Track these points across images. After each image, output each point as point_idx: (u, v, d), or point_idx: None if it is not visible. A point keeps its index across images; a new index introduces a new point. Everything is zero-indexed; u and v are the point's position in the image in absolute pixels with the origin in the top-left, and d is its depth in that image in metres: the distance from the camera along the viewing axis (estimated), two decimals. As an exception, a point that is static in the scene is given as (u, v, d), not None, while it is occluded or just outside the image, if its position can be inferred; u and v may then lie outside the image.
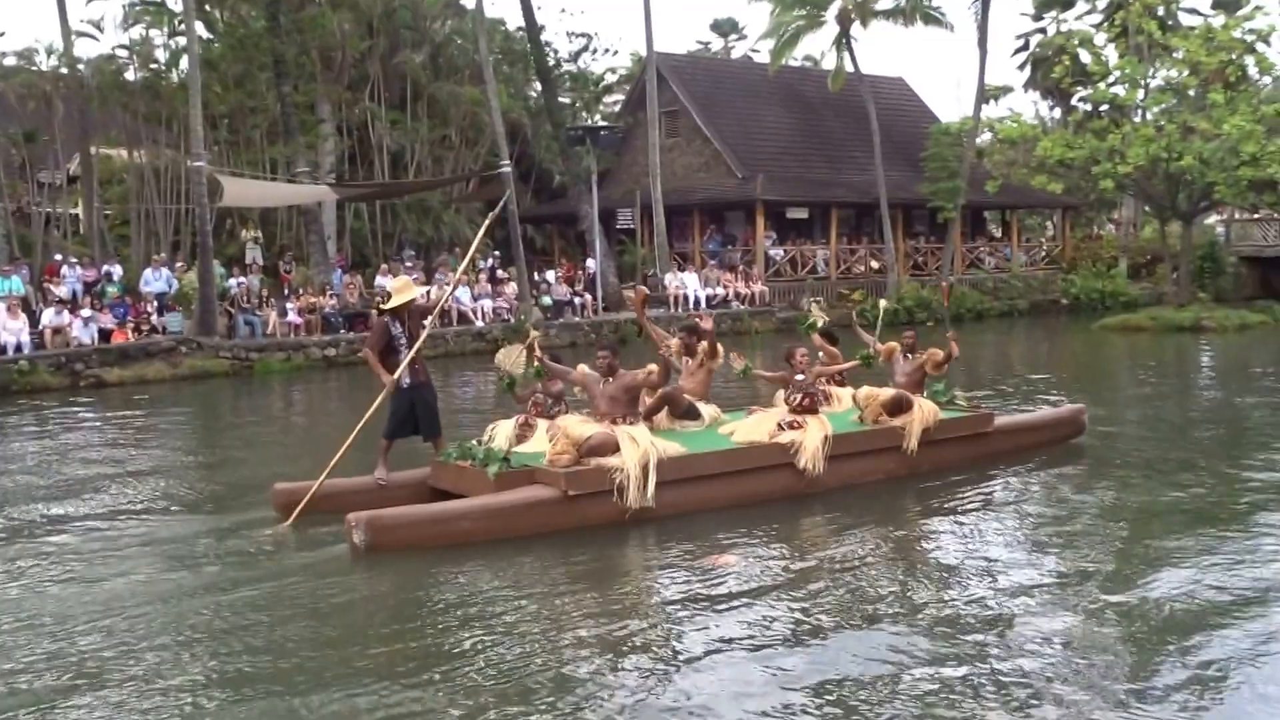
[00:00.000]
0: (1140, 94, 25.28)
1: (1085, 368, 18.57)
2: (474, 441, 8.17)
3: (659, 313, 24.55)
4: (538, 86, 30.37)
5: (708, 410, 9.02)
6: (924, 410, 8.94)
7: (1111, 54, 26.77)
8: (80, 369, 17.49)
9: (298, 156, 23.52)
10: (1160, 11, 26.66)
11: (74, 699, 4.90)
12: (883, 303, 11.40)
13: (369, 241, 26.75)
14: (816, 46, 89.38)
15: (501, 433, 8.32)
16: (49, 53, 26.54)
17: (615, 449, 7.51)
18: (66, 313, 18.36)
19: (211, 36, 26.40)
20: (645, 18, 26.11)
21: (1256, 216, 32.84)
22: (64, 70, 25.06)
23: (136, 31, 26.83)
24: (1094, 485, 8.73)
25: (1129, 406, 13.17)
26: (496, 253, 26.07)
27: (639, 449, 7.55)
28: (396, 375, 7.97)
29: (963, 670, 5.02)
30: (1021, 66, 40.64)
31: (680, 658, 5.27)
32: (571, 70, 34.52)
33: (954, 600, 6.03)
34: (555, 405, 8.52)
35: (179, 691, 4.95)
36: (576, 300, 24.13)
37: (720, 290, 25.48)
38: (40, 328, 17.99)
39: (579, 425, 7.68)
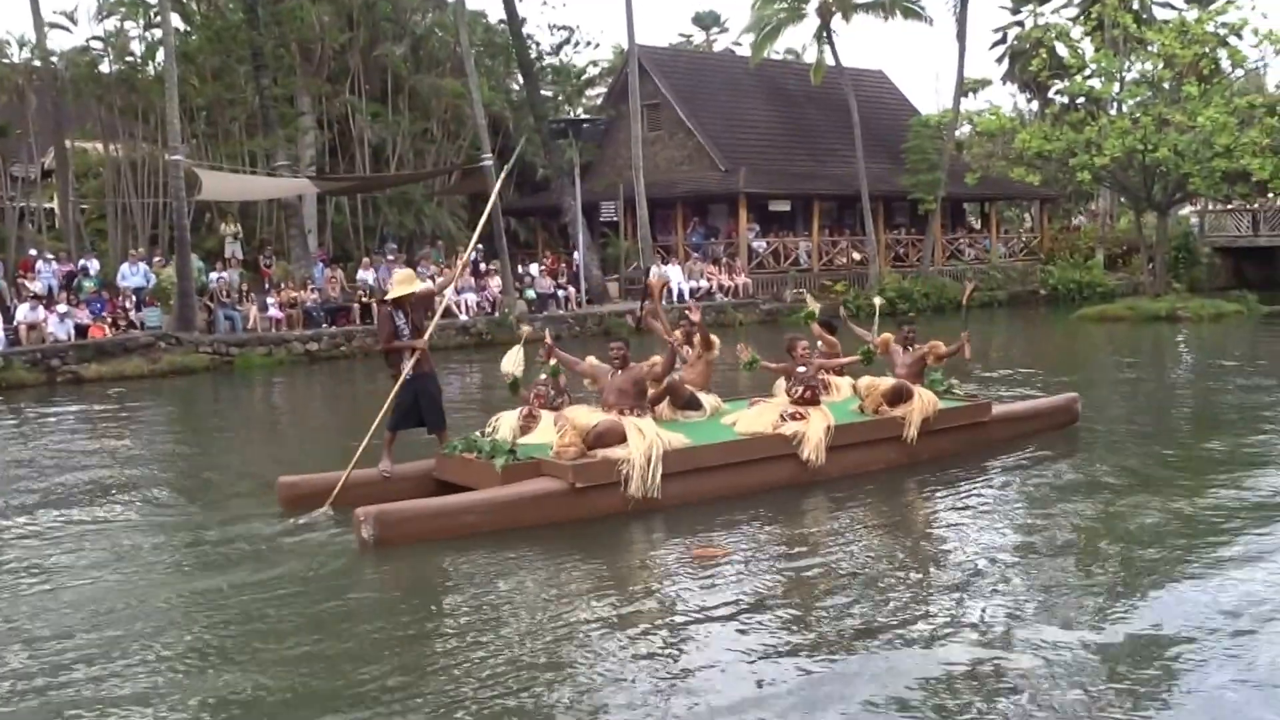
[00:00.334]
0: (1116, 87, 25.52)
1: (1069, 358, 18.75)
2: (477, 434, 8.15)
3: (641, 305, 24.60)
4: (520, 79, 30.29)
5: (709, 400, 9.07)
6: (924, 400, 9.02)
7: (1088, 47, 26.98)
8: (57, 365, 17.30)
9: (277, 150, 23.35)
10: (1135, 5, 26.95)
11: (70, 697, 4.85)
12: (877, 300, 11.46)
13: (350, 235, 26.60)
14: (798, 40, 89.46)
15: (505, 424, 8.30)
16: (21, 45, 26.25)
17: (622, 438, 7.54)
18: (42, 308, 18.16)
19: (188, 28, 26.13)
20: (627, 11, 26.07)
21: (1229, 208, 33.25)
22: (37, 63, 24.74)
23: (111, 23, 26.54)
24: (1090, 472, 8.86)
25: (1117, 395, 13.31)
26: (480, 246, 25.99)
27: (645, 440, 7.58)
28: (408, 366, 7.93)
29: (967, 662, 5.02)
30: (1000, 60, 40.90)
31: (687, 655, 5.21)
32: (553, 63, 34.44)
33: (960, 591, 6.03)
34: (558, 397, 8.52)
35: (189, 695, 4.90)
36: (560, 293, 24.11)
37: (704, 283, 25.52)
38: (15, 324, 17.78)
39: (586, 415, 7.71)
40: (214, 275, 21.01)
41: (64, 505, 8.62)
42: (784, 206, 29.48)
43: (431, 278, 21.68)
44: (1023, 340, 22.31)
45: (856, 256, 29.37)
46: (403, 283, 8.26)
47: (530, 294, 23.57)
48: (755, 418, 8.59)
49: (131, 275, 20.23)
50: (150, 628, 5.69)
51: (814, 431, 8.33)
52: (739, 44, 38.63)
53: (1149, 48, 25.16)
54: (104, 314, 18.89)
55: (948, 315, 25.15)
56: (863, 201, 28.20)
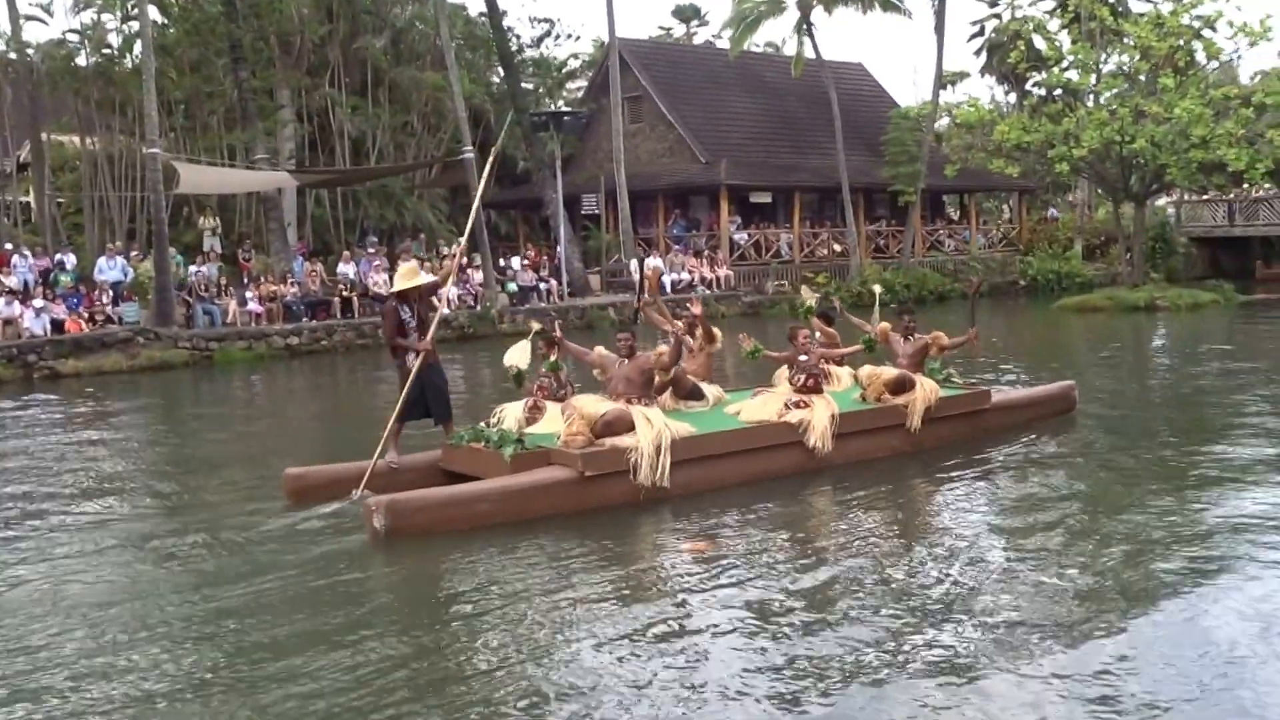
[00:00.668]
0: (1093, 79, 25.70)
1: (1052, 347, 18.93)
2: (483, 424, 8.17)
3: (624, 297, 24.61)
4: (500, 72, 30.21)
5: (711, 391, 9.14)
6: (926, 389, 9.12)
7: (1065, 40, 27.14)
8: (33, 361, 17.16)
9: (256, 143, 23.21)
10: (1112, -2, 27.09)
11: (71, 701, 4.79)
12: (876, 287, 11.46)
13: (330, 228, 26.49)
14: (777, 33, 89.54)
15: (510, 415, 8.33)
16: (-4, 38, 25.94)
17: (630, 426, 7.59)
18: (18, 303, 18.00)
19: (166, 21, 25.94)
20: (607, 4, 26.05)
21: (1205, 198, 33.58)
22: (13, 55, 24.51)
23: (88, 16, 26.33)
24: (1091, 458, 9.04)
25: (1107, 383, 13.48)
26: (460, 239, 25.93)
27: (653, 429, 7.62)
28: (427, 338, 7.94)
29: (969, 647, 5.07)
30: (978, 52, 41.07)
31: (703, 645, 5.20)
32: (534, 56, 34.36)
33: (969, 579, 6.03)
34: (562, 388, 8.55)
35: (199, 691, 4.87)
36: (542, 286, 24.09)
37: (685, 275, 25.56)
38: (-9, 319, 17.63)
39: (594, 404, 7.74)
40: (192, 269, 20.86)
41: (46, 505, 8.52)
42: (765, 198, 29.55)
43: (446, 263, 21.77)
44: (1004, 331, 22.46)
45: (837, 248, 29.49)
46: (407, 276, 8.28)
47: (512, 287, 23.54)
48: (759, 407, 8.65)
49: (109, 269, 20.07)
50: (163, 624, 5.62)
51: (819, 419, 8.41)
52: (719, 37, 38.62)
53: (1125, 40, 25.36)
54: (81, 309, 18.73)
55: (929, 306, 25.32)
56: (843, 193, 28.31)
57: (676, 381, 8.79)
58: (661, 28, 49.53)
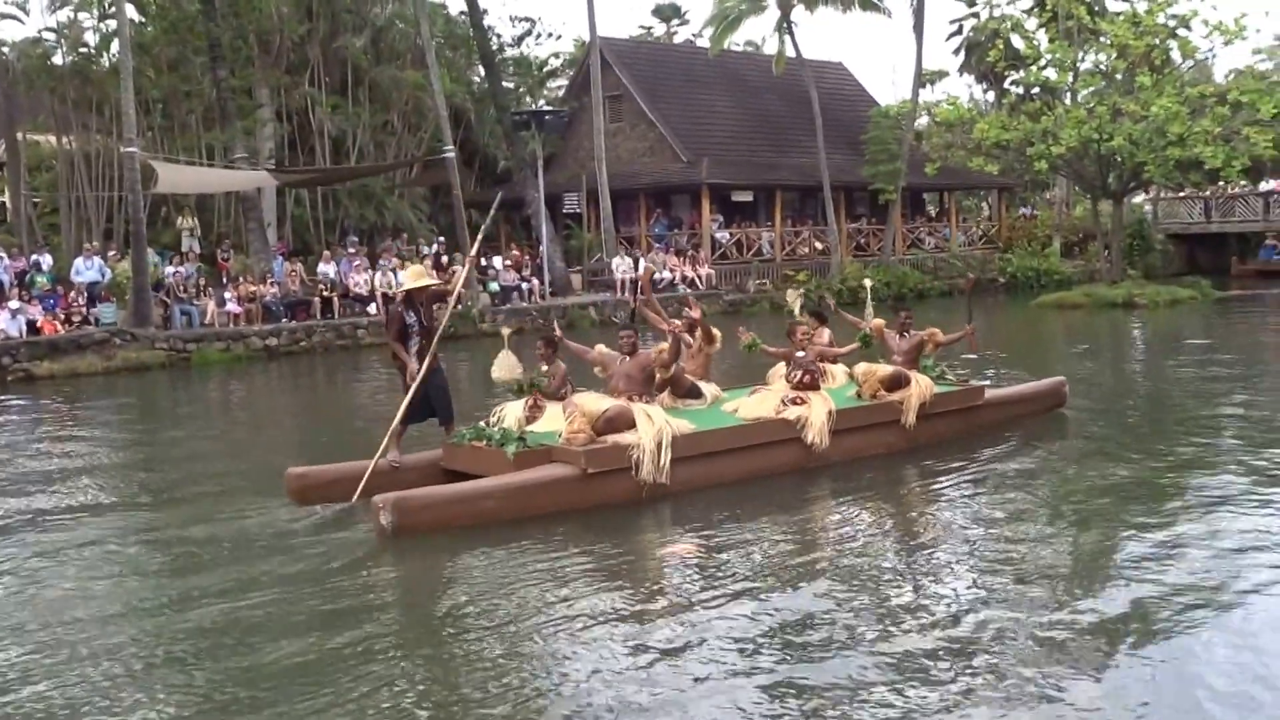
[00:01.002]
0: (1071, 77, 25.88)
1: (1034, 344, 19.11)
2: (482, 422, 8.21)
3: (605, 297, 24.62)
4: (481, 71, 30.13)
5: (709, 389, 9.21)
6: (921, 386, 9.19)
7: (1042, 38, 27.33)
8: (8, 363, 17.01)
9: (235, 142, 23.06)
10: (1088, -3, 27.28)
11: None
12: (867, 281, 11.56)
13: (310, 228, 26.33)
14: (758, 32, 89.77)
15: (510, 414, 8.38)
16: (-30, 36, 25.67)
17: (631, 423, 7.65)
18: (-6, 305, 17.83)
19: (143, 19, 25.73)
20: (588, 2, 26.02)
21: (1182, 195, 33.87)
22: (-13, 54, 24.24)
23: (64, 14, 26.06)
24: (1080, 452, 9.17)
25: (1092, 379, 13.60)
26: (441, 239, 25.84)
27: (654, 425, 7.69)
28: (425, 363, 7.95)
29: (962, 646, 5.10)
30: (956, 51, 41.22)
31: (700, 642, 5.21)
32: (515, 55, 34.29)
33: (965, 583, 6.05)
34: (561, 387, 8.58)
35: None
36: (524, 286, 24.05)
37: (667, 274, 25.57)
38: (-33, 320, 17.44)
39: (595, 401, 7.80)
40: (170, 269, 20.71)
41: (14, 503, 8.45)
42: (746, 197, 29.58)
43: (393, 271, 21.73)
44: (985, 328, 22.59)
45: (819, 246, 29.58)
46: (416, 276, 8.38)
47: (494, 287, 23.49)
48: (757, 404, 8.71)
49: (86, 270, 19.89)
50: (165, 628, 5.59)
51: (817, 416, 8.49)
52: (699, 35, 38.67)
53: (1102, 39, 25.56)
54: (57, 310, 18.56)
55: (910, 304, 25.38)
56: (824, 192, 28.39)
57: (675, 380, 8.87)
58: (642, 26, 49.52)
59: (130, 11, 23.02)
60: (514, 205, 29.72)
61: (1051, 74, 26.21)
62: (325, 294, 21.18)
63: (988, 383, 12.20)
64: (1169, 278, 28.26)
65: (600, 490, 7.47)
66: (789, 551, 6.70)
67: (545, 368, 8.67)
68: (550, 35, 48.40)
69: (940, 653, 4.98)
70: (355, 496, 7.68)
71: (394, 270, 21.88)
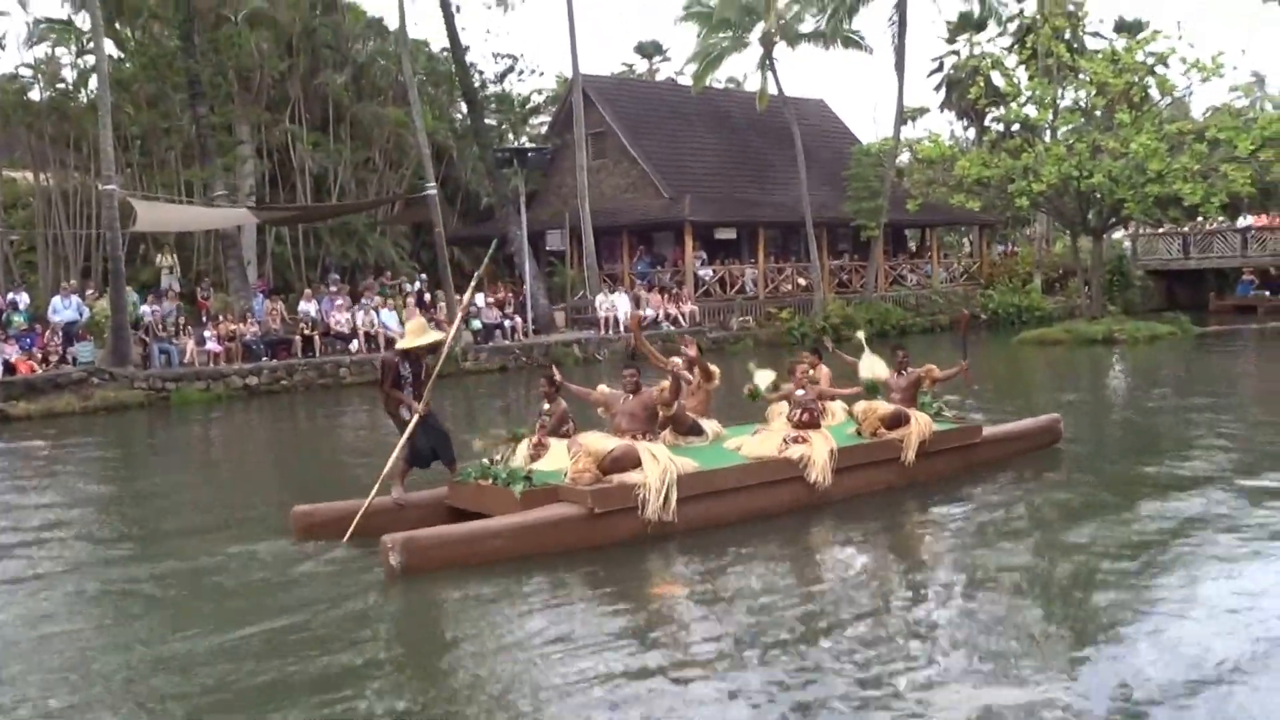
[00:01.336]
0: (1051, 114, 26.15)
1: (1019, 381, 19.10)
2: (485, 460, 8.20)
3: (589, 334, 24.48)
4: (463, 108, 30.16)
5: (710, 426, 9.25)
6: (920, 424, 9.24)
7: (1023, 76, 27.65)
8: (-16, 403, 16.65)
9: (215, 179, 22.89)
10: (1067, 35, 27.66)
11: None
12: (860, 334, 11.58)
13: (291, 266, 26.14)
14: (739, 69, 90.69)
15: (517, 453, 8.38)
16: (-53, 72, 25.45)
17: (637, 462, 7.68)
18: (-31, 344, 17.48)
19: (122, 55, 25.60)
20: (570, 40, 26.14)
21: (1160, 231, 34.22)
22: (-37, 90, 24.01)
23: (42, 50, 25.92)
24: (1078, 490, 9.17)
25: (1082, 415, 13.67)
26: (423, 276, 25.69)
27: (659, 465, 7.71)
28: (423, 404, 7.99)
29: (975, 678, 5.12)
30: (937, 88, 41.77)
31: (700, 678, 5.26)
32: (497, 91, 34.38)
33: (963, 617, 6.12)
34: (562, 425, 8.58)
35: None
36: (507, 323, 23.88)
37: (650, 311, 25.48)
38: (-60, 360, 17.08)
39: (600, 440, 7.81)
40: (149, 308, 20.43)
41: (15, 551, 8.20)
42: (729, 234, 29.63)
43: (375, 309, 21.54)
44: (971, 364, 22.65)
45: (802, 283, 29.61)
46: (416, 333, 8.37)
47: (476, 324, 23.30)
48: (759, 443, 8.72)
49: (63, 309, 19.58)
50: (164, 670, 5.52)
51: (819, 454, 8.53)
52: (681, 73, 38.92)
53: (1081, 76, 25.87)
54: (34, 349, 18.24)
55: (892, 339, 25.45)
56: (807, 228, 28.46)
57: (677, 418, 8.89)
58: (624, 64, 49.86)
59: (109, 47, 22.89)
60: (497, 243, 29.68)
61: (1032, 111, 26.48)
62: (306, 332, 20.93)
63: (980, 419, 12.23)
64: (1148, 313, 28.45)
65: (607, 529, 7.50)
66: (792, 591, 6.68)
67: (546, 405, 8.71)
68: (533, 72, 48.84)
69: (930, 697, 4.93)
70: (346, 536, 7.69)
71: (376, 309, 21.69)
